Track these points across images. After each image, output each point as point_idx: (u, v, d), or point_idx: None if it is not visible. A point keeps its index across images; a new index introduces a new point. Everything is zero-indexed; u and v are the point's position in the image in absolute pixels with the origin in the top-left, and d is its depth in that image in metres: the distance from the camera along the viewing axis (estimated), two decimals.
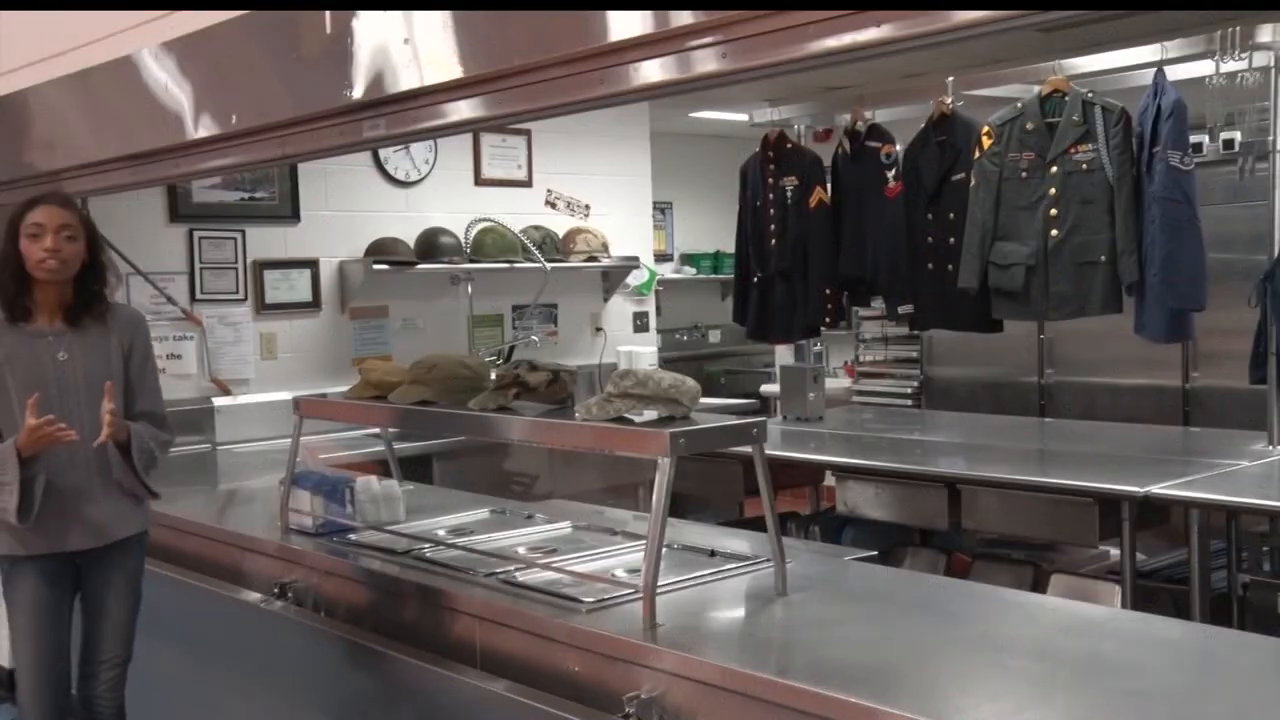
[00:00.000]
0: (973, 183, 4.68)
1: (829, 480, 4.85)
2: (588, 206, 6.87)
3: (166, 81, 3.88)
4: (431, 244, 6.06)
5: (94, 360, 3.31)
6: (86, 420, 3.22)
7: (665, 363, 7.15)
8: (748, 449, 2.79)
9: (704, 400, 2.93)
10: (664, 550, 2.75)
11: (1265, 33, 4.16)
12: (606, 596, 2.78)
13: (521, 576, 3.03)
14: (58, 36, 4.38)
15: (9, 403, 3.23)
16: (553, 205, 6.74)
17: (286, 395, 4.50)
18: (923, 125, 5.02)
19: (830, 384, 6.42)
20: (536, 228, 6.49)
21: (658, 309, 7.45)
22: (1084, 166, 4.41)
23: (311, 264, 5.90)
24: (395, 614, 3.16)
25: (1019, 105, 4.60)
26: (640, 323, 7.20)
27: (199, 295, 5.57)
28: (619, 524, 3.58)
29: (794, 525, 4.99)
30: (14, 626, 3.29)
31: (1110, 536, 3.88)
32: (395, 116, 3.22)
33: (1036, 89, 4.58)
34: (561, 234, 6.57)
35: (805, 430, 5.45)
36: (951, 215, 4.86)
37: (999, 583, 3.85)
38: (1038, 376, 6.32)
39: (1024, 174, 4.54)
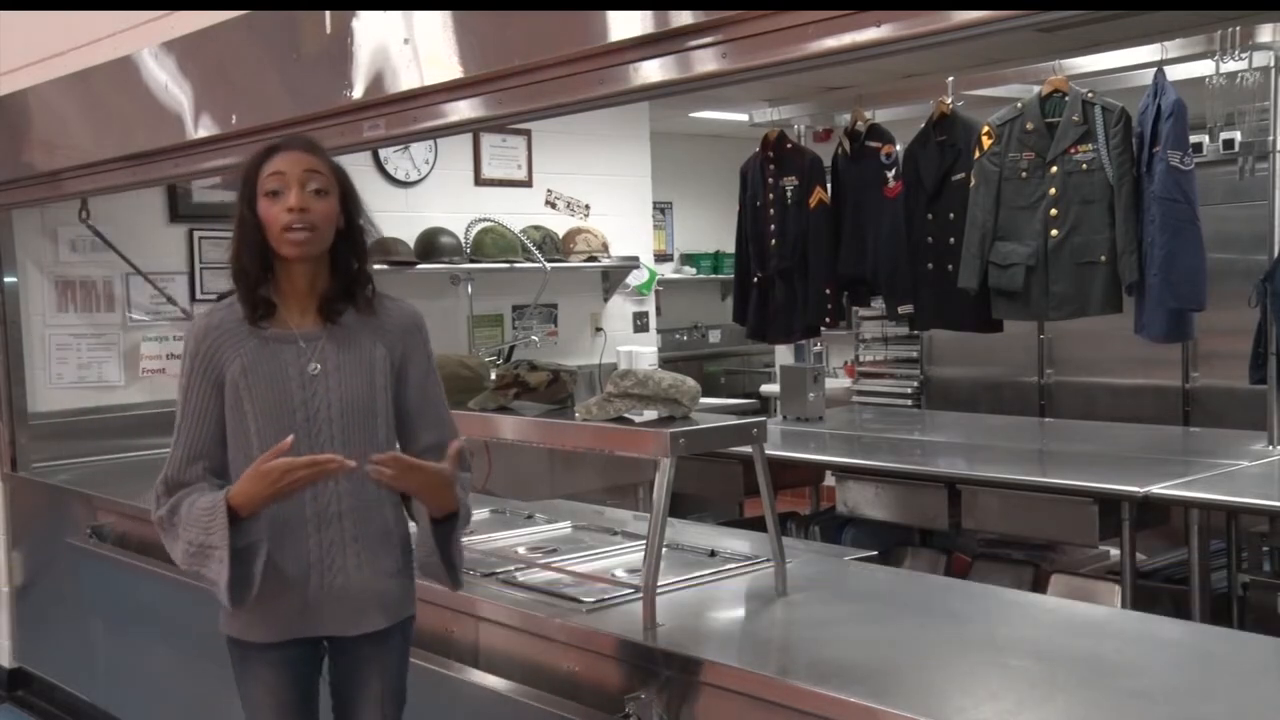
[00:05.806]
0: (973, 183, 4.68)
1: (829, 480, 4.85)
2: (588, 206, 6.86)
3: (166, 81, 3.88)
4: (431, 244, 6.06)
5: (353, 376, 2.37)
6: None
7: (665, 363, 7.15)
8: (748, 449, 2.79)
9: (704, 400, 2.93)
10: (664, 550, 2.75)
11: (1265, 33, 4.16)
12: (606, 596, 2.79)
13: (521, 576, 3.03)
14: (58, 36, 4.38)
15: (246, 436, 2.33)
16: (553, 205, 6.74)
17: None
18: (923, 125, 5.02)
19: (830, 384, 6.41)
20: (536, 228, 6.48)
21: (658, 309, 7.44)
22: (1084, 166, 4.40)
23: None
24: None
25: (1019, 105, 4.60)
26: (640, 323, 7.19)
27: (199, 295, 5.55)
28: (619, 524, 3.59)
29: (794, 525, 4.99)
30: None
31: (1110, 536, 3.88)
32: (395, 116, 3.23)
33: (1036, 89, 4.58)
34: (561, 234, 6.57)
35: (805, 430, 5.45)
36: (951, 215, 4.86)
37: (999, 583, 3.85)
38: (1038, 376, 6.31)
39: (1024, 174, 4.54)
